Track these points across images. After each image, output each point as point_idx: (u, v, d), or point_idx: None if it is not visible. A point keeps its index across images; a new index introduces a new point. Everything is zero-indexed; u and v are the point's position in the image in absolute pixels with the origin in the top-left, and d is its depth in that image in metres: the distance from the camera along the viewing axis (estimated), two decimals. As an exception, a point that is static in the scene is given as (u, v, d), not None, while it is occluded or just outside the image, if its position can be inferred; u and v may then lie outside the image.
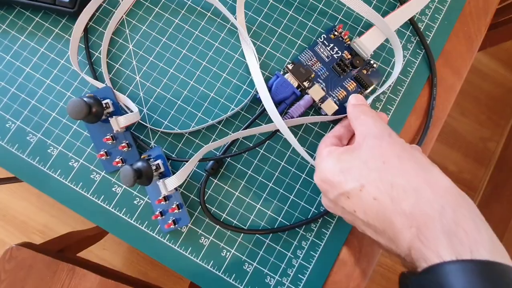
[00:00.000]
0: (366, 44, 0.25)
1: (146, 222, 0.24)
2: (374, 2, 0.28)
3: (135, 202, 0.24)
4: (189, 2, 0.26)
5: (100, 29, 0.25)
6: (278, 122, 0.24)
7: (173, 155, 0.24)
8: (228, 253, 0.24)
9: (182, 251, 0.23)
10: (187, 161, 0.24)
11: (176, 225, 0.22)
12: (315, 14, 0.27)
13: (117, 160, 0.23)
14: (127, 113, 0.24)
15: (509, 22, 0.41)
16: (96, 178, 0.24)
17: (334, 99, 0.25)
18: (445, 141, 1.02)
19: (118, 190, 0.24)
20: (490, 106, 1.04)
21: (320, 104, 0.25)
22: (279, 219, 0.24)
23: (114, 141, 0.23)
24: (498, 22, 0.41)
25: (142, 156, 0.23)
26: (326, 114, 0.25)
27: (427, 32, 0.27)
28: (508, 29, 0.41)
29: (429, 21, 0.28)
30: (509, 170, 0.96)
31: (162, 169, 0.22)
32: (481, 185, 1.01)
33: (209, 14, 0.26)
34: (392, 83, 0.26)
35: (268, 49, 0.26)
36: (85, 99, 0.21)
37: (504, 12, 0.41)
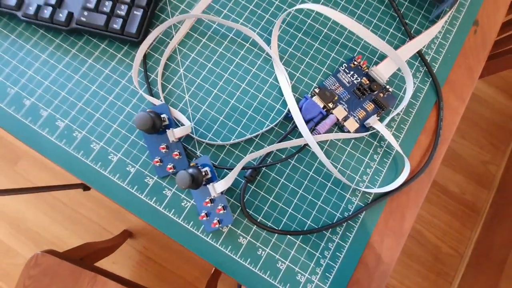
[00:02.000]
0: (382, 71, 0.30)
1: (192, 222, 0.27)
2: (387, 37, 0.32)
3: (182, 204, 0.27)
4: (231, 35, 0.31)
5: (156, 55, 0.30)
6: (308, 137, 0.27)
7: (216, 164, 0.28)
8: (264, 252, 0.26)
9: (223, 249, 0.26)
10: (228, 169, 0.27)
11: (221, 224, 0.25)
12: (337, 47, 0.32)
13: (169, 166, 0.27)
14: (179, 126, 0.27)
15: (505, 54, 0.46)
16: (150, 182, 0.27)
17: (355, 118, 0.29)
18: (448, 164, 1.06)
19: (168, 193, 0.27)
20: (490, 131, 1.08)
21: (343, 123, 0.29)
22: (308, 222, 0.27)
23: (167, 150, 0.27)
24: (495, 53, 0.46)
25: (191, 164, 0.27)
26: (348, 131, 0.29)
27: (433, 63, 0.32)
28: (504, 60, 0.46)
29: (435, 54, 0.32)
30: (510, 193, 0.99)
31: (209, 175, 0.26)
32: (484, 207, 1.03)
33: (247, 45, 0.31)
34: (405, 105, 0.30)
35: (297, 75, 0.31)
36: (148, 113, 0.25)
37: (500, 44, 0.46)
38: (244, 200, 0.27)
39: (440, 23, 0.32)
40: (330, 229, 0.27)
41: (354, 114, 0.29)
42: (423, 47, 0.32)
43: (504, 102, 1.09)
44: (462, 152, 1.07)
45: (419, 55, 0.32)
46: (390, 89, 0.30)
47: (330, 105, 0.29)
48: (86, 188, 0.64)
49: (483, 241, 0.97)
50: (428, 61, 0.32)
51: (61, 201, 0.91)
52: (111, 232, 0.91)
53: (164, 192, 0.27)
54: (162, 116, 0.26)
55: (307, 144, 0.28)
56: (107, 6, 0.28)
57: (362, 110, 0.30)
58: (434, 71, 0.32)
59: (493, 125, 1.08)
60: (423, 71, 0.32)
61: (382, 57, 0.32)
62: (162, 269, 0.90)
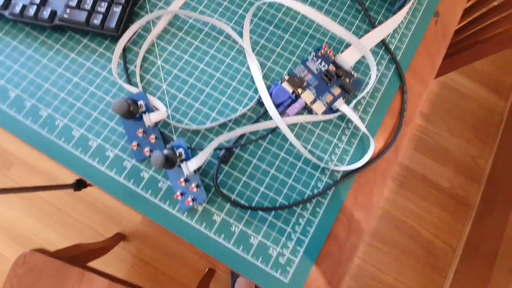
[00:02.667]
0: (347, 58, 0.32)
1: (168, 201, 0.28)
2: (353, 28, 0.35)
3: (159, 185, 0.29)
4: (206, 29, 0.33)
5: (135, 48, 0.32)
6: (277, 119, 0.29)
7: (192, 146, 0.30)
8: (237, 228, 0.28)
9: (197, 226, 0.28)
10: (202, 150, 0.29)
11: (195, 202, 0.27)
12: (306, 38, 0.34)
13: (146, 149, 0.28)
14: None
15: (466, 47, 0.48)
16: (128, 165, 0.29)
17: (323, 102, 0.31)
18: (437, 159, 1.08)
19: (145, 175, 0.29)
20: (477, 126, 1.11)
21: (311, 106, 0.31)
22: (280, 200, 0.29)
23: (144, 135, 0.28)
24: (456, 41, 0.49)
25: (167, 146, 0.28)
26: (316, 114, 0.31)
27: (396, 51, 0.34)
28: (466, 55, 0.49)
29: (398, 43, 0.34)
30: (499, 186, 1.01)
31: (183, 156, 0.27)
32: (474, 201, 1.05)
33: (222, 38, 0.33)
34: (369, 89, 0.32)
35: (269, 64, 0.33)
36: (125, 99, 0.26)
37: (460, 33, 0.49)
38: (218, 181, 0.29)
39: (401, 13, 0.34)
40: (301, 205, 0.29)
41: (322, 99, 0.31)
42: (387, 36, 0.34)
43: (488, 97, 1.12)
44: (450, 148, 1.09)
45: (383, 44, 0.34)
46: (355, 75, 0.32)
47: (299, 90, 0.31)
48: (77, 188, 0.65)
49: (475, 234, 0.98)
50: (391, 49, 0.34)
51: (53, 205, 0.92)
52: (104, 235, 0.91)
53: (141, 174, 0.29)
54: (139, 102, 0.28)
55: (277, 127, 0.30)
56: (88, 4, 0.30)
57: (329, 95, 0.31)
58: (398, 59, 0.34)
59: (479, 120, 1.10)
60: (387, 58, 0.34)
61: (348, 46, 0.34)
62: (155, 271, 0.90)
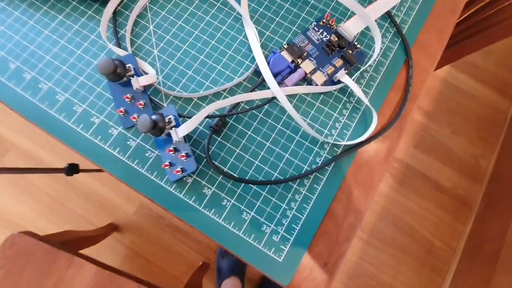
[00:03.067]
0: (350, 28, 0.30)
1: (156, 172, 0.26)
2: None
3: (146, 154, 0.27)
4: (202, -5, 0.32)
5: (127, 12, 0.30)
6: (275, 89, 0.27)
7: (183, 114, 0.28)
8: (228, 203, 0.26)
9: (186, 199, 0.26)
10: (195, 119, 0.27)
11: (184, 173, 0.25)
12: (307, 7, 0.32)
13: (133, 116, 0.26)
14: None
15: (480, 32, 0.47)
16: (114, 132, 0.27)
17: (324, 73, 0.29)
18: (439, 158, 1.06)
19: (132, 144, 0.27)
20: (479, 125, 1.09)
21: (311, 76, 0.29)
22: (275, 174, 0.27)
23: (132, 100, 0.27)
24: (462, 19, 0.47)
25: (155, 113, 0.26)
26: (316, 84, 0.29)
27: (403, 25, 0.32)
28: (475, 40, 0.47)
29: (404, 16, 0.33)
30: (501, 187, 0.99)
31: (173, 123, 0.26)
32: (476, 201, 1.03)
33: (218, 4, 0.31)
34: (372, 61, 0.30)
35: (267, 33, 0.31)
36: (111, 59, 0.25)
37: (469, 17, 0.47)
38: (210, 152, 0.27)
39: (408, -15, 0.32)
40: (298, 181, 0.27)
41: (323, 70, 0.29)
42: (393, 9, 0.33)
43: (492, 97, 1.10)
44: (453, 147, 1.07)
45: (389, 16, 0.32)
46: (358, 46, 0.30)
47: (299, 60, 0.29)
48: (69, 173, 0.63)
49: (476, 234, 0.96)
50: (397, 22, 0.32)
51: (45, 193, 0.90)
52: (96, 225, 0.89)
53: (128, 142, 0.27)
54: (127, 65, 0.26)
55: (275, 97, 0.28)
56: (76, -38, 0.28)
57: (331, 66, 0.30)
58: (404, 32, 0.32)
59: (482, 120, 1.08)
60: (392, 31, 0.32)
61: (352, 17, 0.32)
62: (148, 264, 0.88)
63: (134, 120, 0.26)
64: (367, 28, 0.31)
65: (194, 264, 0.89)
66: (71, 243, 0.61)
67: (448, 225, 1.00)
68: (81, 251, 0.70)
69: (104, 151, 0.26)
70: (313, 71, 0.29)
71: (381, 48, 0.31)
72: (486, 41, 0.47)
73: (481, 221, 0.97)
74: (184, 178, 0.26)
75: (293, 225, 0.26)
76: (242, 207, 0.26)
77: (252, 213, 0.26)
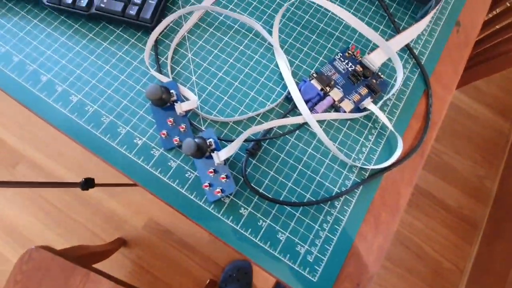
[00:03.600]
0: (374, 59, 0.32)
1: (195, 192, 0.28)
2: (378, 33, 0.35)
3: (186, 175, 0.28)
4: (236, 26, 0.34)
5: (167, 41, 0.33)
6: (307, 115, 0.29)
7: (220, 137, 0.29)
8: (264, 223, 0.27)
9: (224, 219, 0.27)
10: (231, 141, 0.29)
11: (223, 193, 0.26)
12: (332, 39, 0.35)
13: (175, 138, 0.28)
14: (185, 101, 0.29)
15: (487, 58, 0.49)
16: (155, 153, 0.28)
17: (351, 101, 0.31)
18: (444, 178, 1.07)
19: (173, 165, 0.28)
20: (483, 146, 1.11)
21: (339, 104, 0.31)
22: (307, 196, 0.28)
23: (174, 124, 0.28)
24: (478, 52, 0.50)
25: (196, 136, 0.28)
26: (344, 111, 0.31)
27: (420, 56, 0.35)
28: (485, 66, 0.50)
29: (422, 48, 0.35)
30: (506, 208, 0.99)
31: (213, 146, 0.27)
32: (482, 222, 1.03)
33: (251, 35, 0.34)
34: (396, 89, 0.32)
35: (296, 62, 0.33)
36: (159, 86, 0.27)
37: (481, 43, 0.50)
38: (246, 172, 0.28)
39: (425, 20, 0.35)
40: (329, 203, 0.28)
41: (349, 98, 0.31)
42: (411, 42, 0.35)
43: (494, 119, 1.13)
44: (457, 167, 1.09)
45: (408, 48, 0.35)
46: (382, 76, 0.33)
47: (327, 88, 0.31)
48: (84, 187, 0.64)
49: (483, 255, 0.96)
50: (416, 54, 0.35)
51: (55, 206, 0.90)
52: (104, 240, 0.89)
53: (169, 163, 0.28)
54: (171, 91, 0.28)
55: (306, 123, 0.30)
56: (125, -4, 0.31)
57: (356, 94, 0.32)
58: (422, 62, 0.34)
59: (485, 141, 1.11)
60: (411, 63, 0.34)
61: (374, 49, 0.34)
62: (155, 280, 0.87)
63: (176, 142, 0.28)
64: (388, 58, 0.34)
65: (201, 281, 0.88)
66: (84, 258, 0.61)
67: (455, 245, 1.00)
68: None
69: (146, 171, 0.28)
70: (341, 99, 0.31)
71: (402, 78, 0.33)
72: (494, 69, 0.50)
73: (488, 242, 0.97)
74: (222, 199, 0.27)
75: (325, 245, 0.27)
76: (277, 227, 0.27)
77: (287, 234, 0.27)
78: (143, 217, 0.92)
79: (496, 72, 0.49)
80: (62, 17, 0.33)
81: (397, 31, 0.35)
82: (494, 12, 0.47)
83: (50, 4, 0.31)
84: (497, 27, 0.47)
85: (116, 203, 0.93)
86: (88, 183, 0.65)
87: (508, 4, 0.50)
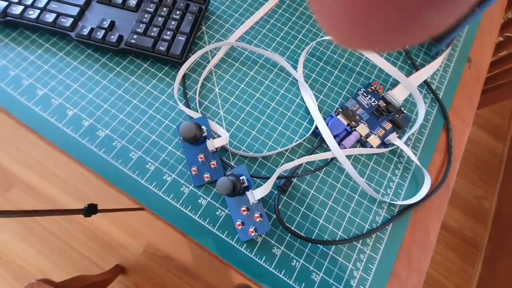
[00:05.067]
0: (397, 95, 0.33)
1: (226, 231, 0.27)
2: (397, 68, 0.37)
3: (217, 213, 0.27)
4: (260, 61, 0.35)
5: (194, 76, 0.33)
6: (336, 150, 0.29)
7: (250, 173, 0.29)
8: (298, 263, 0.26)
9: (257, 259, 0.26)
10: (262, 178, 0.28)
11: (257, 233, 0.26)
12: (354, 74, 0.36)
13: (206, 175, 0.28)
14: (216, 137, 0.29)
15: (496, 88, 0.52)
16: (185, 191, 0.28)
17: (377, 136, 0.32)
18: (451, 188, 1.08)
19: (203, 202, 0.28)
20: (479, 167, 1.14)
21: (365, 139, 0.31)
22: (339, 233, 0.28)
23: (205, 160, 0.28)
24: (489, 88, 0.52)
25: (227, 173, 0.28)
26: (371, 147, 0.31)
27: (438, 91, 0.36)
28: (496, 94, 0.52)
29: (438, 84, 0.37)
30: (505, 227, 1.01)
31: (246, 184, 0.27)
32: (483, 242, 1.04)
33: (276, 70, 0.35)
34: (419, 124, 0.33)
35: (321, 97, 0.34)
36: (193, 123, 0.26)
37: (492, 79, 0.52)
38: (279, 210, 0.28)
39: (440, 58, 0.37)
40: (361, 240, 0.28)
41: (375, 132, 0.32)
42: (429, 77, 0.37)
43: (488, 140, 1.17)
44: (457, 188, 1.10)
45: (426, 84, 0.36)
46: (405, 111, 0.33)
47: (353, 123, 0.32)
48: (87, 214, 0.62)
49: (486, 277, 0.96)
50: (434, 89, 0.36)
51: (50, 231, 0.86)
52: (102, 267, 0.85)
53: (199, 201, 0.28)
54: (202, 127, 0.28)
55: (334, 158, 0.30)
56: (154, 32, 0.31)
57: (381, 129, 0.32)
58: (440, 98, 0.36)
59: (481, 162, 1.14)
60: (430, 97, 0.36)
61: (393, 84, 0.36)
62: (155, 310, 0.82)
63: (207, 179, 0.28)
64: (408, 94, 0.35)
65: (203, 311, 0.84)
66: (85, 290, 0.57)
67: (459, 267, 1.00)
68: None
69: (176, 209, 0.27)
70: (368, 135, 0.31)
71: (424, 113, 0.34)
72: (496, 99, 0.52)
73: (490, 264, 0.97)
74: (255, 238, 0.27)
75: (361, 286, 0.26)
76: (311, 267, 0.26)
77: (321, 274, 0.26)
78: (142, 242, 0.89)
79: (498, 102, 0.52)
80: (89, 50, 0.33)
81: (414, 67, 0.37)
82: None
83: (79, 38, 0.31)
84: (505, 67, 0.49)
85: (114, 228, 0.90)
86: (91, 210, 0.63)
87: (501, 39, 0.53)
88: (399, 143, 0.31)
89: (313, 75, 0.35)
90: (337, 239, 0.28)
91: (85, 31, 0.31)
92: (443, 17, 0.09)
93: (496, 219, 1.06)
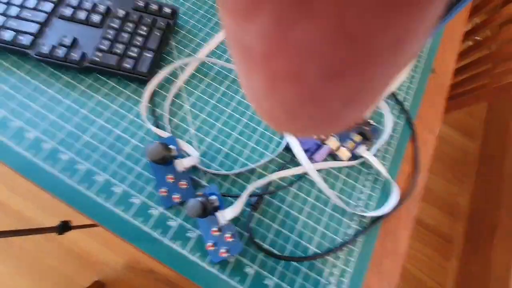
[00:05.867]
0: (366, 109, 0.34)
1: (199, 253, 0.26)
2: (366, 80, 0.38)
3: (188, 234, 0.27)
4: (231, 75, 0.35)
5: (163, 93, 0.32)
6: (307, 165, 0.30)
7: (221, 192, 0.29)
8: (271, 281, 0.26)
9: (230, 280, 0.26)
10: (233, 197, 0.28)
11: (229, 253, 0.26)
12: (325, 87, 0.36)
13: (176, 196, 0.27)
14: (186, 157, 0.29)
15: (460, 95, 0.54)
16: (154, 213, 0.27)
17: (347, 149, 0.32)
18: (421, 197, 1.12)
19: (173, 224, 0.27)
20: (453, 166, 1.19)
21: (336, 152, 0.32)
22: (312, 248, 0.28)
23: (174, 180, 0.27)
24: (453, 94, 0.55)
25: (198, 193, 0.27)
26: (341, 160, 0.32)
27: (405, 102, 0.37)
28: (459, 101, 0.54)
29: (405, 95, 0.38)
30: (479, 224, 1.05)
31: (217, 204, 0.27)
32: (458, 238, 1.08)
33: (247, 84, 0.35)
34: (388, 135, 0.34)
35: (292, 111, 0.34)
36: (160, 144, 0.26)
37: (456, 87, 0.55)
38: (251, 228, 0.28)
39: (406, 70, 0.38)
40: (333, 254, 0.28)
41: (345, 145, 0.33)
42: (395, 89, 0.38)
43: (460, 140, 1.22)
44: (432, 186, 1.15)
45: (393, 96, 0.37)
46: (372, 123, 0.34)
47: (323, 137, 0.32)
48: (61, 232, 0.59)
49: (463, 272, 1.00)
50: (400, 100, 0.37)
51: (25, 249, 0.82)
52: (81, 285, 0.81)
53: (168, 223, 0.27)
54: (170, 147, 0.28)
55: (306, 173, 0.31)
56: (119, 49, 0.31)
57: (350, 141, 0.33)
58: (406, 109, 0.37)
59: (455, 161, 1.19)
60: (397, 109, 0.37)
61: (363, 96, 0.36)
62: (138, 326, 0.80)
63: (177, 200, 0.27)
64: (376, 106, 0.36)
65: (188, 324, 0.82)
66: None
67: (437, 263, 1.04)
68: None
69: (145, 233, 0.26)
70: (338, 148, 0.32)
71: (392, 124, 0.35)
72: (464, 104, 0.54)
73: (466, 258, 1.02)
74: (229, 258, 0.26)
75: (333, 300, 0.27)
76: (285, 284, 0.26)
77: (294, 291, 0.26)
78: (122, 255, 0.86)
79: (466, 107, 0.54)
80: (51, 69, 0.31)
81: (382, 78, 0.38)
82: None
83: (39, 57, 0.29)
84: (467, 75, 0.52)
85: (92, 241, 0.86)
86: (64, 227, 0.60)
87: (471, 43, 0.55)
88: (368, 155, 0.32)
89: (285, 89, 0.35)
90: (310, 255, 0.28)
91: (45, 49, 0.29)
92: (358, 113, 0.10)
93: (471, 216, 1.11)
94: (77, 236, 0.86)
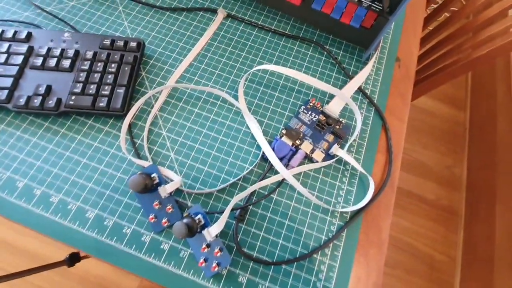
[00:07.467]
0: (333, 108, 0.36)
1: (192, 270, 0.28)
2: (332, 80, 0.39)
3: (181, 254, 0.29)
4: (203, 96, 0.36)
5: (140, 123, 0.34)
6: (284, 172, 0.31)
7: (207, 210, 0.31)
8: (263, 286, 0.28)
9: (225, 291, 0.28)
10: (219, 213, 0.30)
11: (220, 267, 0.27)
12: (294, 93, 0.38)
13: (164, 220, 0.29)
14: (169, 182, 0.30)
15: (425, 79, 0.56)
16: (146, 239, 0.29)
17: (321, 149, 0.34)
18: (417, 174, 1.14)
19: (165, 247, 0.29)
20: (445, 138, 1.20)
21: (311, 155, 0.34)
22: (299, 249, 0.30)
23: (160, 206, 0.29)
24: (419, 79, 0.57)
25: (184, 215, 0.29)
26: (317, 161, 0.33)
27: (373, 95, 0.39)
28: (425, 85, 0.56)
29: (372, 88, 0.39)
30: (478, 192, 1.07)
31: (202, 222, 0.28)
32: (461, 208, 1.10)
33: (219, 102, 0.36)
34: (358, 131, 0.36)
35: (265, 121, 0.36)
36: (141, 175, 0.28)
37: (420, 72, 0.56)
38: (238, 240, 0.30)
39: (370, 64, 0.40)
40: (320, 252, 0.30)
41: (319, 146, 0.34)
42: (362, 84, 0.39)
43: (449, 111, 1.24)
44: (427, 161, 1.17)
45: (361, 90, 0.39)
46: (343, 121, 0.36)
47: (298, 142, 0.34)
48: (71, 264, 0.61)
49: (469, 241, 1.02)
50: (368, 94, 0.39)
51: (38, 286, 0.84)
52: (98, 310, 0.83)
53: (161, 246, 0.29)
54: (152, 175, 0.29)
55: (284, 179, 0.32)
56: (92, 89, 0.32)
57: (325, 142, 0.35)
58: (375, 101, 0.39)
59: (446, 133, 1.21)
60: (366, 102, 0.38)
61: (331, 96, 0.38)
62: None
63: (166, 224, 0.29)
64: (346, 103, 0.37)
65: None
66: None
67: (443, 236, 1.06)
68: None
69: (140, 260, 0.28)
70: (312, 150, 0.34)
71: (361, 119, 0.37)
72: (436, 84, 0.56)
73: (470, 228, 1.04)
74: (220, 271, 0.28)
75: (324, 295, 0.28)
76: (277, 288, 0.28)
77: (287, 292, 0.28)
78: (135, 278, 0.88)
79: (438, 86, 0.56)
80: (31, 117, 0.33)
81: (347, 75, 0.39)
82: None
83: (16, 109, 0.31)
84: (431, 59, 0.53)
85: (103, 268, 0.88)
86: (73, 259, 0.62)
87: (430, 28, 0.57)
88: (341, 153, 0.33)
89: (255, 101, 0.37)
90: (297, 256, 0.30)
91: (22, 101, 0.31)
92: None
93: (469, 185, 1.13)
94: (89, 264, 0.88)
